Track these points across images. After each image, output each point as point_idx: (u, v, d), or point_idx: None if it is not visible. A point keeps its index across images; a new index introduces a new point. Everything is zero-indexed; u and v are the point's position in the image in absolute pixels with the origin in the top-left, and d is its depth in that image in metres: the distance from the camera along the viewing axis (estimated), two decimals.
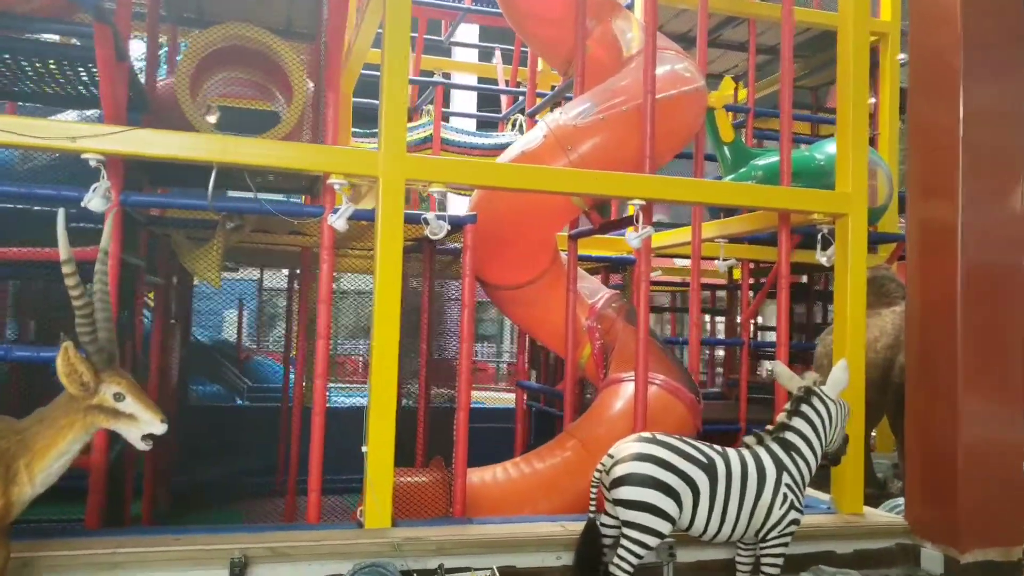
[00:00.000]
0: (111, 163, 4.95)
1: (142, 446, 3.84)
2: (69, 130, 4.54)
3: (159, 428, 3.81)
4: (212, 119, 6.71)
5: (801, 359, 9.68)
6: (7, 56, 4.84)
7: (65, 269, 3.62)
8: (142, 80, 5.98)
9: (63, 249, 3.64)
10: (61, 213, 3.67)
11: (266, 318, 14.25)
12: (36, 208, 5.63)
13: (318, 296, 5.46)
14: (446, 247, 6.56)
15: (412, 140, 9.99)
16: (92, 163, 4.64)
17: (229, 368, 11.27)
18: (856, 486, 6.13)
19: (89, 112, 6.31)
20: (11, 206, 5.53)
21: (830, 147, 7.94)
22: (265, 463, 8.65)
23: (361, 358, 13.72)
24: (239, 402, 11.26)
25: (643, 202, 6.03)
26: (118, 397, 3.74)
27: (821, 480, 5.99)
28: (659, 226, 9.06)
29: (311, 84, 6.15)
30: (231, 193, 6.23)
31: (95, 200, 4.61)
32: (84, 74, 5.06)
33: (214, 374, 11.37)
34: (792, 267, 6.94)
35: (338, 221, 5.15)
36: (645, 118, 6.34)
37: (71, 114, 6.47)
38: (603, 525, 4.86)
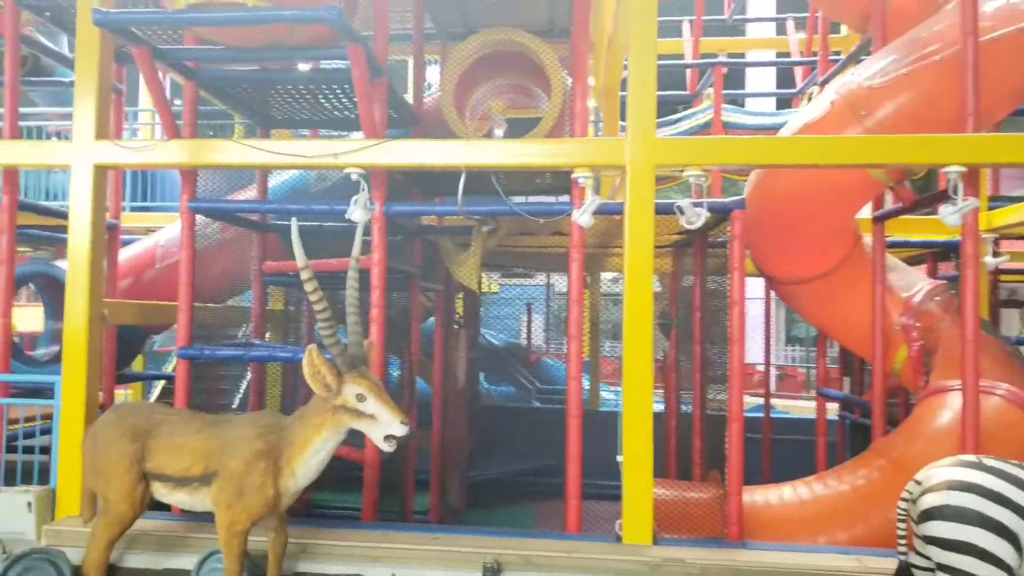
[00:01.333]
0: (375, 176, 5.38)
1: (385, 447, 4.03)
2: (331, 148, 4.99)
3: (399, 429, 3.97)
4: (500, 131, 7.03)
5: None
6: (289, 87, 5.49)
7: (303, 276, 3.95)
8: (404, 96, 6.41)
9: (300, 258, 3.98)
10: (294, 222, 4.00)
11: (555, 321, 14.69)
12: (328, 224, 6.35)
13: (569, 296, 5.37)
14: (719, 240, 6.08)
15: (690, 127, 9.57)
16: (353, 177, 5.06)
17: (519, 370, 11.78)
18: None
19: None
20: (310, 223, 6.30)
21: None
22: (558, 464, 8.85)
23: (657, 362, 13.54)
24: (533, 403, 11.75)
25: (962, 169, 5.01)
26: (360, 398, 3.97)
27: None
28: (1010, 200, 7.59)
29: (569, 80, 6.12)
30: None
31: (357, 211, 5.02)
32: (344, 96, 5.53)
33: (506, 376, 11.96)
34: None
35: (583, 217, 5.01)
36: (966, 65, 5.28)
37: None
38: (914, 567, 4.04)
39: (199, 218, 5.53)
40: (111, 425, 4.24)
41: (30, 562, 4.38)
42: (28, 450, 5.56)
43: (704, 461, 6.49)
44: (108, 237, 6.72)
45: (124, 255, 7.11)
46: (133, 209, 8.90)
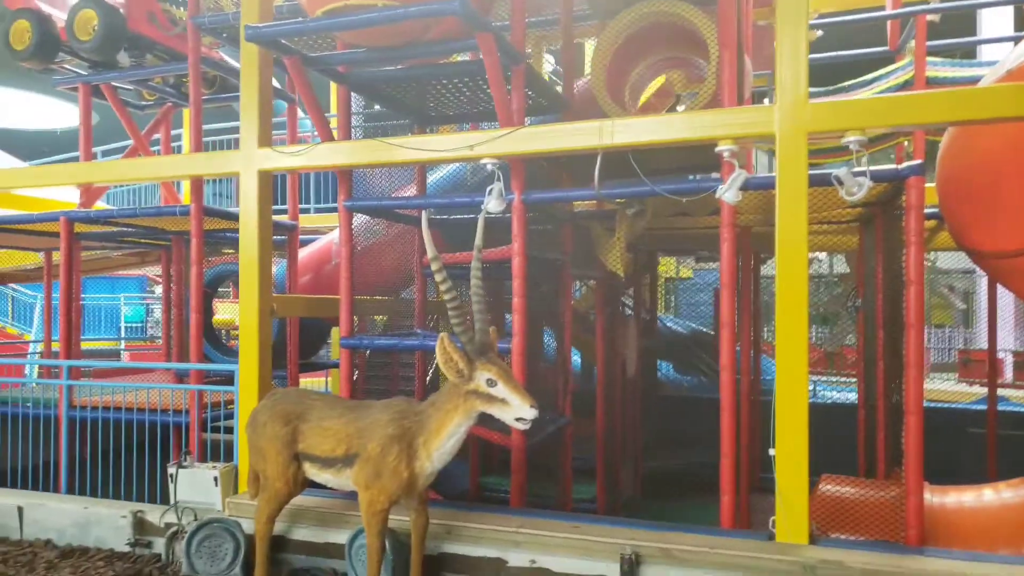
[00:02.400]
0: (513, 164, 5.50)
1: (518, 427, 4.15)
2: (466, 140, 5.17)
3: (528, 412, 4.07)
4: (682, 108, 6.90)
5: None
6: (433, 81, 5.76)
7: (432, 267, 4.15)
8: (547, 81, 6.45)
9: (429, 249, 4.17)
10: (424, 215, 4.19)
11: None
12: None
13: (721, 279, 5.17)
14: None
15: (887, 87, 8.72)
16: (488, 167, 5.21)
17: (704, 359, 11.43)
18: None
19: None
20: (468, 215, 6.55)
21: None
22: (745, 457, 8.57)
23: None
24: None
25: None
26: (490, 383, 4.11)
27: None
28: None
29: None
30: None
31: (492, 202, 5.16)
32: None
33: (691, 364, 11.65)
34: None
35: (728, 193, 4.80)
36: None
37: None
38: None
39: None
40: (266, 410, 4.72)
41: (210, 529, 4.99)
42: (228, 430, 6.30)
43: (890, 456, 5.96)
44: (288, 237, 7.47)
45: (303, 253, 7.82)
46: (318, 211, 9.74)
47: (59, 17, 6.79)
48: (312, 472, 4.64)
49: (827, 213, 6.33)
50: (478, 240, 4.47)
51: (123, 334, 14.66)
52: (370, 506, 4.36)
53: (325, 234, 8.77)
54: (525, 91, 5.86)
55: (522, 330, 5.52)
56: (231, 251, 9.30)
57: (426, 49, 5.40)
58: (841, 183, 4.63)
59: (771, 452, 4.72)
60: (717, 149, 4.85)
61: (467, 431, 4.33)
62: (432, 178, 7.61)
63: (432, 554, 4.89)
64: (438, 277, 4.16)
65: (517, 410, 4.08)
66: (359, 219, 7.39)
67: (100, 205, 8.37)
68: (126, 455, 6.26)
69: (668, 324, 12.33)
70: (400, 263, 7.40)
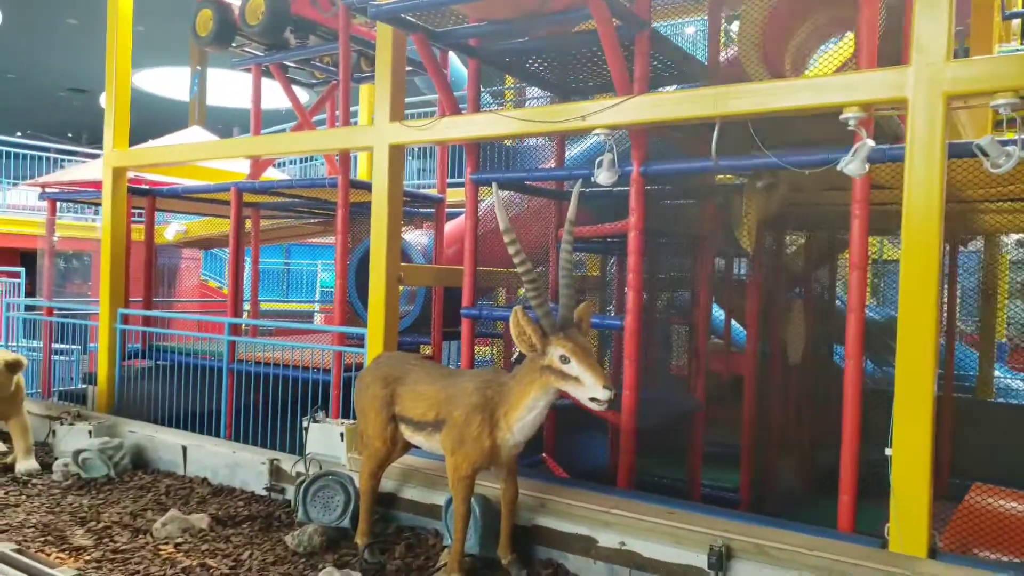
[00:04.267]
0: (634, 135, 5.42)
1: (593, 407, 4.15)
2: (579, 110, 5.16)
3: (601, 393, 4.05)
4: None
5: None
6: (565, 52, 5.79)
7: (506, 239, 4.22)
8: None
9: (502, 221, 4.25)
10: (495, 187, 4.26)
11: (965, 295, 12.66)
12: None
13: (850, 260, 4.80)
14: None
15: None
16: (600, 138, 5.18)
17: (891, 348, 10.50)
18: None
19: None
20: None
21: None
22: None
23: None
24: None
25: None
26: (563, 359, 4.14)
27: None
28: None
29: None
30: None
31: (603, 174, 5.14)
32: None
33: (879, 354, 10.78)
34: None
35: (851, 165, 4.43)
36: None
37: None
38: None
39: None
40: (370, 372, 5.07)
41: (325, 481, 5.45)
42: None
43: None
44: (435, 210, 7.85)
45: (451, 225, 8.18)
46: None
47: (236, 5, 7.58)
48: (407, 434, 4.92)
49: None
50: (571, 213, 4.49)
51: (318, 297, 16.11)
52: (455, 471, 4.56)
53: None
54: (655, 60, 5.73)
55: (637, 308, 5.45)
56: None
57: (548, 20, 5.44)
58: (986, 154, 4.12)
59: (887, 451, 4.35)
60: (842, 117, 4.48)
61: (547, 406, 4.39)
62: (575, 151, 7.64)
63: (525, 525, 5.02)
64: (511, 249, 4.23)
65: (590, 389, 4.07)
66: (502, 195, 7.62)
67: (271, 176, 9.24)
68: (283, 407, 6.97)
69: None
70: (540, 237, 7.53)
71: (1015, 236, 9.43)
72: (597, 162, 5.14)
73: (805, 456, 8.43)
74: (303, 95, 8.89)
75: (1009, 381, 10.09)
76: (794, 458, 8.39)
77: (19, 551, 4.82)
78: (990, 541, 4.84)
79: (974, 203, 7.07)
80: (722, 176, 6.66)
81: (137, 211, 9.10)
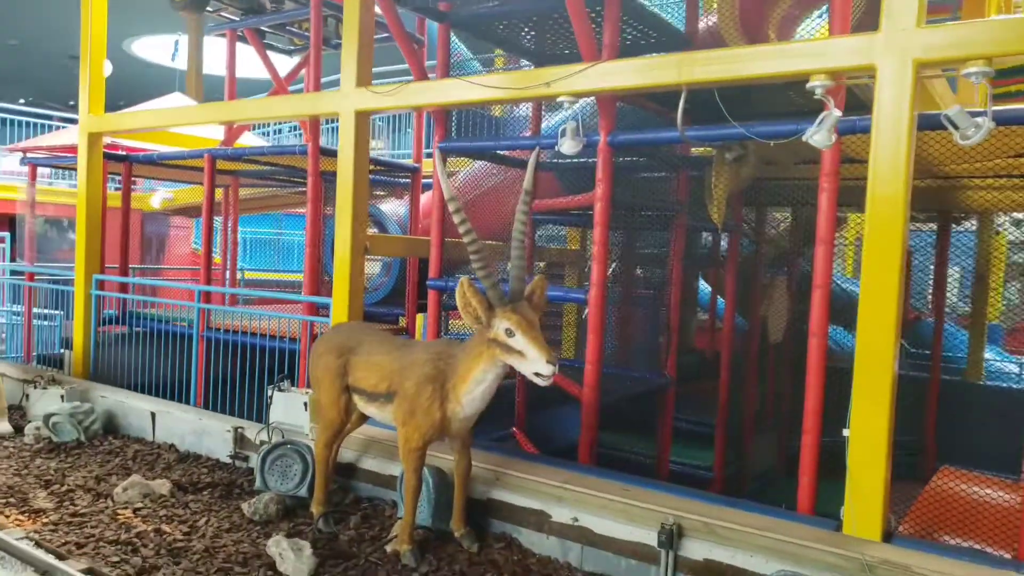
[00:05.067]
0: (602, 103, 5.22)
1: (538, 382, 4.00)
2: (543, 76, 4.96)
3: (545, 368, 3.91)
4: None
5: None
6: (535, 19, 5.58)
7: (450, 207, 4.06)
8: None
9: (445, 189, 4.08)
10: (437, 155, 4.09)
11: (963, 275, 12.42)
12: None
13: (817, 236, 4.62)
14: None
15: None
16: (565, 106, 4.99)
17: None
18: None
19: None
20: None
21: None
22: (916, 440, 7.77)
23: None
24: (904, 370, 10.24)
25: None
26: (509, 333, 3.98)
27: None
28: None
29: None
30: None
31: (566, 143, 4.95)
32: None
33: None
34: None
35: (816, 136, 4.23)
36: None
37: None
38: None
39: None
40: (324, 342, 4.93)
41: (283, 450, 5.34)
42: None
43: None
44: (411, 180, 7.67)
45: (427, 196, 8.00)
46: None
47: None
48: (361, 404, 4.79)
49: None
50: (527, 183, 4.32)
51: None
52: (405, 443, 4.44)
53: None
54: (630, 28, 5.52)
55: (601, 281, 5.30)
56: (381, 192, 9.73)
57: None
58: (955, 125, 3.92)
59: (845, 432, 4.20)
60: (809, 85, 4.27)
61: (497, 379, 4.25)
62: (554, 120, 7.43)
63: (480, 498, 4.90)
64: (457, 219, 4.07)
65: (533, 364, 3.92)
66: (477, 165, 7.44)
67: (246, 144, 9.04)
68: (254, 376, 6.86)
69: (847, 287, 11.27)
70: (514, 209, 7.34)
71: (1014, 214, 9.19)
72: (560, 131, 4.96)
73: (783, 436, 8.30)
74: (285, 63, 8.68)
75: (1003, 365, 9.89)
76: (771, 438, 8.26)
77: None
78: (953, 526, 4.71)
79: (959, 179, 6.85)
80: (700, 148, 6.47)
81: (115, 177, 8.94)
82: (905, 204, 4.01)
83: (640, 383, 6.63)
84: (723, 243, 7.87)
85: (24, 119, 17.20)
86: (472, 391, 4.26)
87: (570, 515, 4.60)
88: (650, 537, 4.30)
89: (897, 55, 3.97)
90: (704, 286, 9.75)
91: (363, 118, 5.83)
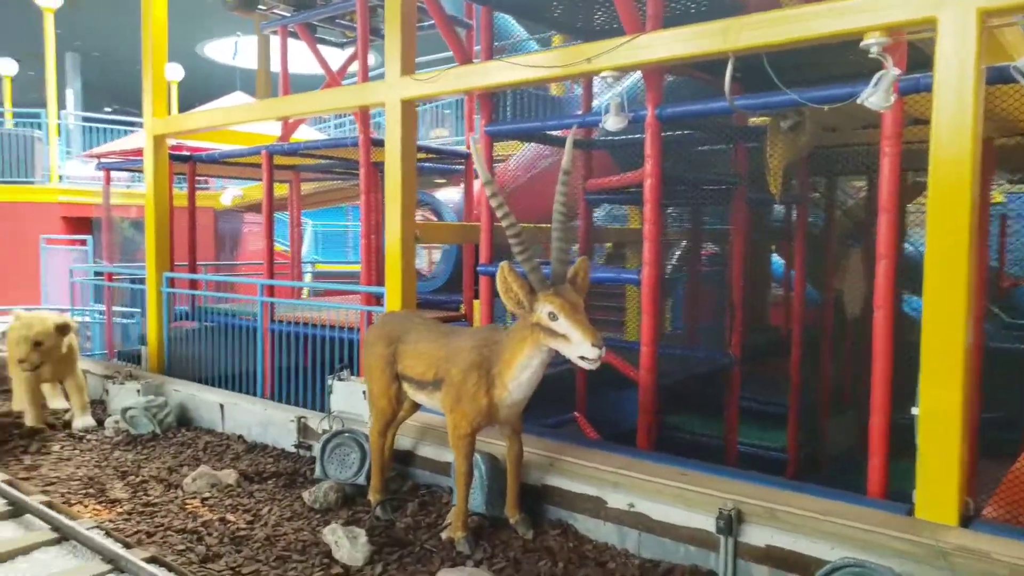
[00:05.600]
0: (648, 76, 5.05)
1: (583, 365, 3.90)
2: (582, 52, 4.82)
3: (590, 351, 3.80)
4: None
5: None
6: None
7: (487, 191, 3.97)
8: None
9: (482, 173, 3.99)
10: (473, 140, 4.00)
11: None
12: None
13: (879, 204, 4.36)
14: None
15: None
16: (608, 80, 4.84)
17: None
18: None
19: None
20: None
21: None
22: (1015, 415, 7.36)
23: None
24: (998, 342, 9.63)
25: None
26: (552, 316, 3.89)
27: None
28: None
29: None
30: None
31: (611, 119, 4.80)
32: None
33: None
34: None
35: (872, 97, 3.97)
36: None
37: None
38: None
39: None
40: (374, 331, 4.93)
41: (342, 439, 5.39)
42: None
43: None
44: (464, 167, 7.63)
45: (479, 182, 7.94)
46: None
47: None
48: (411, 392, 4.78)
49: None
50: (565, 163, 4.20)
51: None
52: (454, 430, 4.41)
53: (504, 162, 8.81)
54: None
55: (654, 260, 5.13)
56: (441, 180, 9.73)
57: None
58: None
59: (913, 411, 3.95)
60: (863, 44, 4.01)
61: (543, 364, 4.16)
62: (604, 99, 7.25)
63: (535, 484, 4.84)
64: (494, 203, 3.98)
65: (578, 347, 3.82)
66: (529, 147, 7.34)
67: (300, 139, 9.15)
68: (319, 366, 6.97)
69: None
70: (573, 191, 7.22)
71: None
72: (603, 107, 4.81)
73: (862, 415, 7.93)
74: (339, 56, 8.74)
75: None
76: (850, 417, 7.91)
77: (48, 504, 4.95)
78: None
79: None
80: (759, 118, 6.21)
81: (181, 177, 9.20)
82: (972, 165, 3.72)
83: (703, 363, 6.43)
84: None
85: (107, 127, 17.95)
86: (518, 377, 4.19)
87: (626, 501, 4.49)
88: (709, 523, 4.16)
89: (958, 4, 3.68)
90: (779, 260, 9.41)
91: (409, 106, 5.80)
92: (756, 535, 4.05)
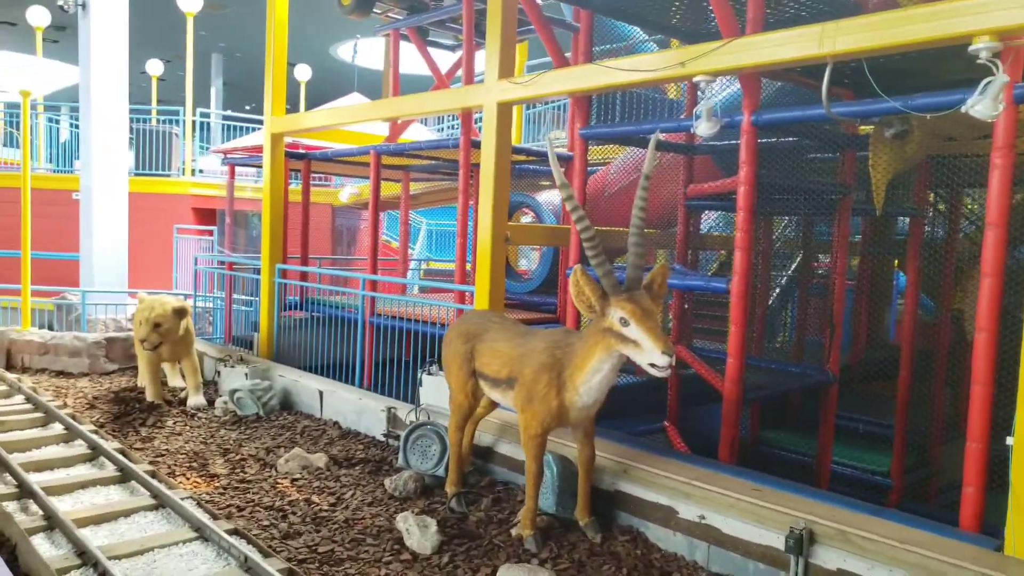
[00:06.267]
0: (744, 80, 4.98)
1: (654, 373, 3.90)
2: (676, 56, 4.81)
3: (659, 359, 3.80)
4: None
5: None
6: None
7: (563, 195, 4.03)
8: None
9: (558, 177, 4.05)
10: (548, 140, 4.07)
11: None
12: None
13: (987, 219, 4.15)
14: None
15: None
16: (701, 86, 4.80)
17: None
18: None
19: None
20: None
21: None
22: None
23: None
24: None
25: None
26: (623, 322, 3.91)
27: None
28: None
29: None
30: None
31: (701, 125, 4.77)
32: None
33: None
34: None
35: (978, 106, 3.79)
36: None
37: None
38: None
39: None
40: (454, 329, 5.09)
41: (424, 431, 5.58)
42: None
43: None
44: (564, 169, 7.69)
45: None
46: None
47: None
48: (486, 389, 4.91)
49: None
50: (646, 168, 4.22)
51: None
52: (525, 430, 4.50)
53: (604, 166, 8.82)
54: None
55: (744, 269, 5.06)
56: (545, 183, 9.85)
57: None
58: None
59: (1008, 441, 3.73)
60: (971, 49, 3.82)
61: (614, 369, 4.19)
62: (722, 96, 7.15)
63: (608, 489, 4.86)
64: (569, 206, 4.05)
65: (649, 354, 3.83)
66: (629, 152, 7.33)
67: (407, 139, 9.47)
68: (417, 359, 7.24)
69: None
70: (672, 195, 7.17)
71: None
72: (695, 112, 4.78)
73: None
74: (450, 58, 9.02)
75: None
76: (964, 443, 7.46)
77: (152, 473, 5.40)
78: None
79: None
80: (867, 126, 5.98)
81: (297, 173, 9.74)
82: None
83: (799, 378, 6.25)
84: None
85: (242, 124, 19.14)
86: (589, 380, 4.24)
87: (697, 512, 4.44)
88: (780, 541, 4.05)
89: None
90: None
91: (505, 109, 5.94)
92: (828, 557, 3.92)
